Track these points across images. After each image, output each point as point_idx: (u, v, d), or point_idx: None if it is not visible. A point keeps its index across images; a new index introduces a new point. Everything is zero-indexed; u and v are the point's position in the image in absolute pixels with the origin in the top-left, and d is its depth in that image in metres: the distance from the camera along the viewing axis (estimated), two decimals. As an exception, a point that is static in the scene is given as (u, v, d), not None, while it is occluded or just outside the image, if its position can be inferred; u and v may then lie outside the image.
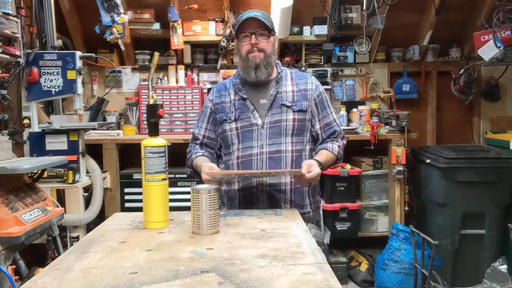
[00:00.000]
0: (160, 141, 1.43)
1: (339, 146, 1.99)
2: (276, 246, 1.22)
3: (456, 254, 3.24)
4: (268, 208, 1.85)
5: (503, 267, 2.64)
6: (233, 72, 3.96)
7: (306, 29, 3.85)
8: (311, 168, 1.74)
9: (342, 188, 3.52)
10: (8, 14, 2.38)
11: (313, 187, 2.02)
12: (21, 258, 2.23)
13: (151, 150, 1.40)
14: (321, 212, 2.15)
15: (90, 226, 2.79)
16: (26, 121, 2.77)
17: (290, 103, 1.95)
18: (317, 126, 2.00)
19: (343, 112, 3.87)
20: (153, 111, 1.46)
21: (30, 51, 2.75)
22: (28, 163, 2.12)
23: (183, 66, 3.92)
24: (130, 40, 3.66)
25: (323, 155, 1.92)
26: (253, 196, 1.91)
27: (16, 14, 2.49)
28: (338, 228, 3.51)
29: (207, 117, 2.06)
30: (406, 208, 3.52)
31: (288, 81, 2.01)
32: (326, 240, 2.14)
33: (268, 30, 1.94)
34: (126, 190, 3.45)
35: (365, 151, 3.58)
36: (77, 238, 2.73)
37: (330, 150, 1.96)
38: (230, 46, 3.78)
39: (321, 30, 3.82)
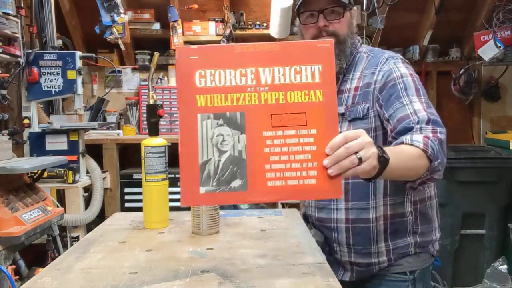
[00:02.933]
0: (160, 141, 1.43)
1: (427, 137, 1.18)
2: (276, 246, 1.22)
3: (456, 254, 3.23)
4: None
5: (503, 267, 2.65)
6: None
7: (306, 29, 3.85)
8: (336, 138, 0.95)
9: (342, 188, 3.52)
10: (8, 14, 2.38)
11: (402, 221, 1.40)
12: (21, 258, 2.23)
13: (151, 150, 1.40)
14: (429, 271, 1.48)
15: (90, 226, 2.79)
16: (26, 121, 2.78)
17: (347, 108, 1.42)
18: (388, 130, 1.34)
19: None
20: (153, 111, 1.46)
21: (30, 51, 2.75)
22: (28, 163, 2.12)
23: (183, 66, 3.91)
24: (130, 40, 3.66)
25: (393, 150, 1.11)
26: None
27: (16, 14, 2.49)
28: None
29: None
30: (406, 208, 3.52)
31: (359, 71, 1.45)
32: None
33: (342, 6, 1.42)
34: (126, 190, 3.45)
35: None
36: (77, 238, 2.73)
37: (409, 142, 1.18)
38: (230, 46, 3.78)
39: (321, 30, 3.81)
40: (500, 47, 3.26)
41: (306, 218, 1.55)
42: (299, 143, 0.95)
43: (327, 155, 0.93)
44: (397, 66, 1.38)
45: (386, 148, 1.06)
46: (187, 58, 0.98)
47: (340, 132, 1.02)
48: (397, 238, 1.41)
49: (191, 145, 0.95)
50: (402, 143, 1.19)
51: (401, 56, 1.44)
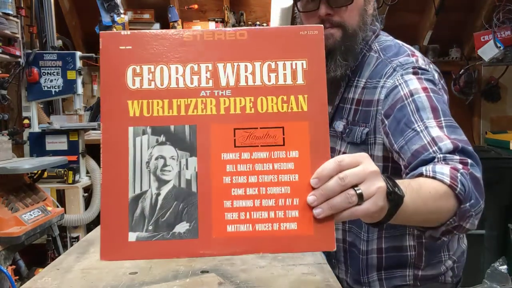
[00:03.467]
0: (160, 141, 1.42)
1: (455, 169, 0.85)
2: (276, 246, 1.21)
3: (456, 254, 3.23)
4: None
5: (503, 267, 2.65)
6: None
7: (306, 29, 3.85)
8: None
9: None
10: (8, 14, 2.38)
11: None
12: (21, 258, 2.23)
13: (151, 150, 1.39)
14: None
15: (90, 226, 2.79)
16: (26, 121, 2.78)
17: (347, 125, 1.15)
18: (403, 164, 1.00)
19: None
20: (153, 111, 1.46)
21: (30, 51, 2.75)
22: (28, 163, 2.12)
23: (183, 66, 3.92)
24: (130, 40, 3.66)
25: (406, 182, 0.80)
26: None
27: (16, 14, 2.50)
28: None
29: None
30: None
31: (364, 78, 1.15)
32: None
33: None
34: (126, 190, 3.45)
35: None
36: (77, 238, 2.73)
37: (430, 174, 0.85)
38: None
39: (321, 30, 3.82)
40: (500, 47, 3.26)
41: None
42: (273, 170, 0.67)
43: (313, 188, 0.65)
44: (404, 80, 1.05)
45: (399, 181, 0.74)
46: (115, 48, 0.69)
47: (340, 150, 0.83)
48: (392, 269, 1.17)
49: (118, 171, 0.67)
50: (421, 175, 0.86)
51: (416, 63, 1.10)
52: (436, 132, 0.95)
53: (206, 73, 0.69)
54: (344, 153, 1.10)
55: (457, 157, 0.89)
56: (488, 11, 3.57)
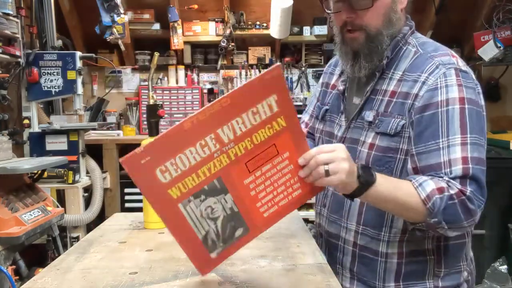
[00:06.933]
0: (160, 141, 1.42)
1: (441, 190, 1.00)
2: (276, 246, 1.22)
3: (456, 254, 3.23)
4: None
5: (503, 267, 2.65)
6: (233, 72, 3.97)
7: (306, 29, 3.86)
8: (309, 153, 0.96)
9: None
10: (8, 14, 2.38)
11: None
12: (21, 258, 2.23)
13: (151, 150, 1.40)
14: None
15: (90, 226, 2.79)
16: (26, 121, 2.78)
17: (377, 116, 1.16)
18: (409, 166, 1.10)
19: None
20: (153, 111, 1.46)
21: (30, 51, 2.75)
22: (28, 163, 2.12)
23: (183, 66, 3.93)
24: (130, 40, 3.66)
25: (391, 181, 1.04)
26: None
27: (16, 14, 2.49)
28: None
29: (316, 99, 1.43)
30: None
31: (400, 71, 1.16)
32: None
33: None
34: (126, 190, 3.46)
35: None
36: (77, 238, 2.73)
37: (415, 185, 1.02)
38: (230, 46, 3.79)
39: (321, 30, 3.83)
40: (500, 47, 3.26)
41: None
42: (277, 170, 0.97)
43: (303, 167, 0.97)
44: (446, 84, 1.07)
45: (382, 175, 1.03)
46: (138, 165, 0.88)
47: (364, 141, 1.14)
48: (411, 280, 1.16)
49: (185, 232, 0.95)
50: (410, 180, 1.05)
51: (458, 63, 1.11)
52: (457, 153, 1.03)
53: (212, 141, 0.90)
54: (372, 144, 1.16)
55: (459, 186, 1.02)
56: (488, 11, 3.56)
